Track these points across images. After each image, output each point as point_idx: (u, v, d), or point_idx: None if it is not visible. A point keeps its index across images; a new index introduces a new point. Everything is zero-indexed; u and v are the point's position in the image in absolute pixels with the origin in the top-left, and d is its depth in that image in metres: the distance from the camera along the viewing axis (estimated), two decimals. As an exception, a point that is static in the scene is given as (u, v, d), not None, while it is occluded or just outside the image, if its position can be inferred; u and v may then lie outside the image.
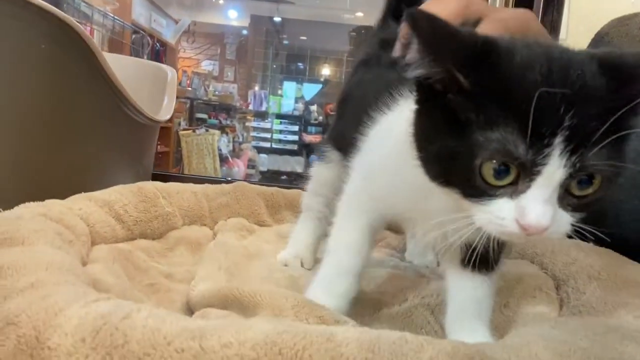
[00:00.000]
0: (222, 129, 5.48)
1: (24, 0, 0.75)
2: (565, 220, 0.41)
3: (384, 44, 0.70)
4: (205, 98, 5.56)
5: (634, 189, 0.74)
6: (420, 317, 0.64)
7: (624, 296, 0.57)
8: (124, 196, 0.86)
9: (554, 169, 0.38)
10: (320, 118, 6.43)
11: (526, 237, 0.40)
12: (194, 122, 5.24)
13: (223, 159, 5.06)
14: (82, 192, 0.82)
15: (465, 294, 0.57)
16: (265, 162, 6.10)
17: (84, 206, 0.77)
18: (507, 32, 0.50)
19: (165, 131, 4.21)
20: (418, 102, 0.43)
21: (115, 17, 3.34)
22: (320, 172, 0.84)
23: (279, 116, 6.58)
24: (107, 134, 0.99)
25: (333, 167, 0.82)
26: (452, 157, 0.40)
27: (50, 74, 0.82)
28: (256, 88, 6.95)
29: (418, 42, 0.39)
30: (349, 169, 0.63)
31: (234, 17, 6.95)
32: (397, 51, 0.58)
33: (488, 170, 0.39)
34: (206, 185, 1.06)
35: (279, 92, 6.99)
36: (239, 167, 5.33)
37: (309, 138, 6.31)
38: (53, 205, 0.73)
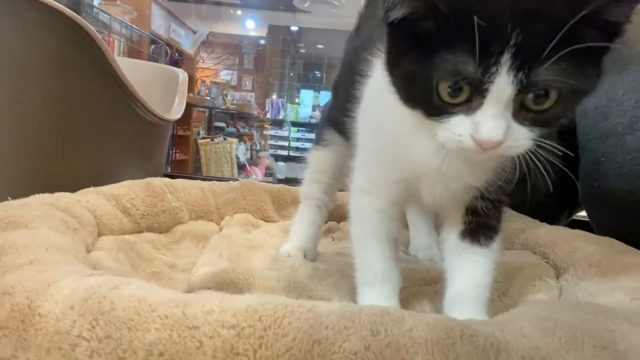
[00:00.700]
0: (240, 137, 5.54)
1: (38, 1, 0.78)
2: (523, 135, 0.42)
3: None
4: (223, 107, 5.63)
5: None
6: (416, 306, 0.64)
7: (621, 281, 0.56)
8: (132, 190, 0.88)
9: (503, 85, 0.39)
10: (338, 125, 6.43)
11: (484, 152, 0.42)
12: (212, 130, 5.31)
13: (241, 167, 5.11)
14: (92, 187, 0.85)
15: (465, 275, 0.57)
16: (283, 170, 6.13)
17: (92, 199, 0.80)
18: None
19: (184, 140, 4.30)
20: (390, 39, 0.46)
21: (134, 26, 3.43)
22: (319, 156, 0.84)
23: (296, 124, 6.62)
24: (117, 132, 1.02)
25: (332, 151, 0.82)
26: (414, 79, 0.43)
27: (61, 72, 0.85)
28: (273, 96, 7.01)
29: None
30: (354, 147, 0.63)
31: (251, 27, 7.05)
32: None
33: (443, 89, 0.42)
34: (213, 181, 1.08)
35: (296, 100, 7.04)
36: (257, 175, 5.38)
37: (326, 145, 6.31)
38: (61, 196, 0.76)
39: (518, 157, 0.45)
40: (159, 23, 4.19)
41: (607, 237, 0.72)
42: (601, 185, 0.82)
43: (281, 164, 6.20)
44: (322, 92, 7.03)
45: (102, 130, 0.99)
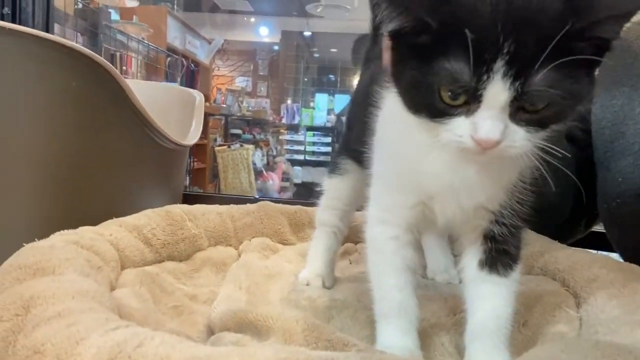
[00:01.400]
0: (256, 143, 5.58)
1: (57, 43, 0.81)
2: (520, 135, 0.45)
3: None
4: (239, 114, 5.68)
5: None
6: (435, 340, 0.65)
7: (642, 315, 0.56)
8: (152, 220, 0.90)
9: (498, 91, 0.42)
10: (353, 129, 6.43)
11: (484, 152, 0.45)
12: (228, 137, 5.36)
13: (258, 173, 5.15)
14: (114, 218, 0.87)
15: (484, 306, 0.57)
16: (299, 175, 6.16)
17: (114, 231, 0.82)
18: None
19: (202, 148, 4.35)
20: (392, 49, 0.48)
21: (150, 44, 3.49)
22: (334, 184, 0.86)
23: (312, 128, 6.65)
24: (136, 161, 1.04)
25: (347, 178, 0.83)
26: (417, 85, 0.46)
27: (82, 109, 0.87)
28: (288, 102, 7.05)
29: (386, 4, 0.44)
30: (370, 176, 0.65)
31: (265, 34, 7.10)
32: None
33: (444, 92, 0.44)
34: (231, 205, 1.10)
35: (311, 104, 7.06)
36: (274, 181, 5.42)
37: (342, 149, 6.31)
38: (85, 232, 0.78)
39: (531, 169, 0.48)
40: (174, 35, 4.25)
41: (627, 263, 0.71)
42: (620, 207, 0.82)
43: (297, 168, 6.23)
44: (336, 96, 7.05)
45: (122, 161, 1.01)
